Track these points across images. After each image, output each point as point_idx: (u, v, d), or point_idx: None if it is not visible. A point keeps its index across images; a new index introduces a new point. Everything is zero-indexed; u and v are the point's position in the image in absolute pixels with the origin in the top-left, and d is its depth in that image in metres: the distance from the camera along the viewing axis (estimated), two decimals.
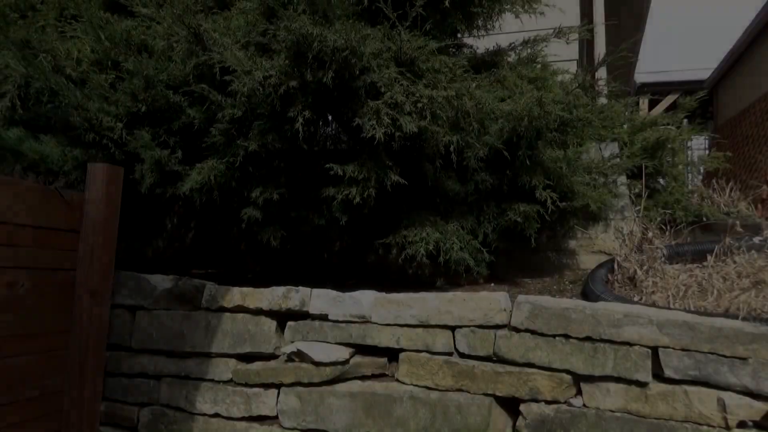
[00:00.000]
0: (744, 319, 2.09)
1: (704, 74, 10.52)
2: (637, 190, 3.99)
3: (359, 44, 2.16)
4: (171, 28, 2.43)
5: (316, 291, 2.33)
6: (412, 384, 2.21)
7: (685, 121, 5.11)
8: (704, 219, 4.11)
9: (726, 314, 2.28)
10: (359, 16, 2.46)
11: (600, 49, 5.46)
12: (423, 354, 2.22)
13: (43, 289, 2.13)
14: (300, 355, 2.26)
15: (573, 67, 4.61)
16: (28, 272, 2.06)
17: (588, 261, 3.59)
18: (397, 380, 2.25)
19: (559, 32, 2.83)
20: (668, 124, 4.68)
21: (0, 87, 2.47)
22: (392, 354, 2.31)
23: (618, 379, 2.01)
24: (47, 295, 2.15)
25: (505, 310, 2.17)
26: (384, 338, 2.26)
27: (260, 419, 2.32)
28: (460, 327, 2.20)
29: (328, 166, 2.43)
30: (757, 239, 3.20)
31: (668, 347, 1.97)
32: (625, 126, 4.59)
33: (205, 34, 2.33)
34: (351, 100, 2.35)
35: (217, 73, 2.37)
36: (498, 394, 2.11)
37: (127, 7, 2.80)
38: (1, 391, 1.96)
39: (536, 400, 2.09)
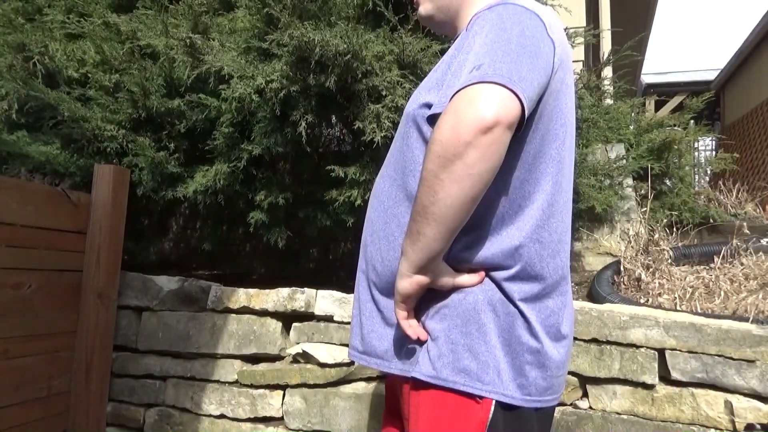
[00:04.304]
0: (752, 321, 2.08)
1: (711, 75, 10.48)
2: (643, 192, 3.97)
3: (361, 48, 2.16)
4: (169, 41, 2.44)
5: (321, 292, 2.33)
6: None
7: (692, 122, 5.08)
8: (711, 220, 4.08)
9: (733, 316, 2.27)
10: (360, 19, 2.46)
11: (606, 49, 5.44)
12: None
13: (49, 290, 2.14)
14: (305, 357, 2.26)
15: (579, 68, 4.59)
16: (35, 273, 2.08)
17: (594, 263, 3.58)
18: None
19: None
20: (675, 126, 4.65)
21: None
22: None
23: (624, 381, 2.00)
24: (54, 296, 2.16)
25: None
26: None
27: (266, 420, 2.33)
28: None
29: (329, 167, 2.44)
30: (764, 241, 3.18)
31: (675, 349, 1.96)
32: (631, 127, 4.56)
33: (199, 41, 2.34)
34: (353, 104, 2.35)
35: (216, 79, 2.38)
36: None
37: (133, 9, 2.82)
38: (8, 391, 1.98)
39: None
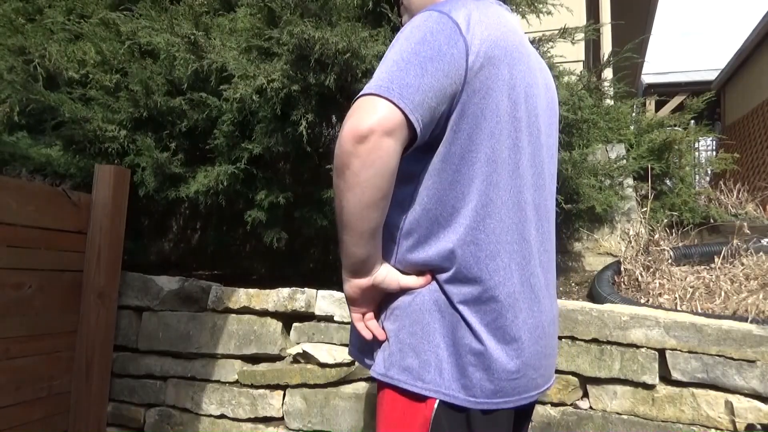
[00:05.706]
0: (752, 321, 2.08)
1: (711, 75, 10.48)
2: (643, 192, 3.98)
3: (360, 46, 2.16)
4: (170, 39, 2.44)
5: (321, 292, 2.34)
6: None
7: (692, 122, 5.08)
8: (712, 221, 4.09)
9: (734, 316, 2.27)
10: (361, 18, 2.46)
11: (606, 50, 5.44)
12: None
13: (50, 290, 2.14)
14: (305, 357, 2.26)
15: (579, 68, 4.59)
16: (35, 273, 2.08)
17: (594, 263, 3.58)
18: None
19: (564, 32, 2.81)
20: (675, 126, 4.66)
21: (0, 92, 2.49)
22: None
23: (625, 382, 2.00)
24: (54, 296, 2.16)
25: None
26: None
27: (266, 420, 2.33)
28: None
29: (330, 167, 2.44)
30: (765, 241, 3.18)
31: (675, 349, 1.96)
32: (631, 127, 4.56)
33: (201, 39, 2.34)
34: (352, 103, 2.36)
35: (218, 78, 2.37)
36: None
37: (133, 8, 2.82)
38: (9, 391, 1.98)
39: (542, 403, 2.08)
